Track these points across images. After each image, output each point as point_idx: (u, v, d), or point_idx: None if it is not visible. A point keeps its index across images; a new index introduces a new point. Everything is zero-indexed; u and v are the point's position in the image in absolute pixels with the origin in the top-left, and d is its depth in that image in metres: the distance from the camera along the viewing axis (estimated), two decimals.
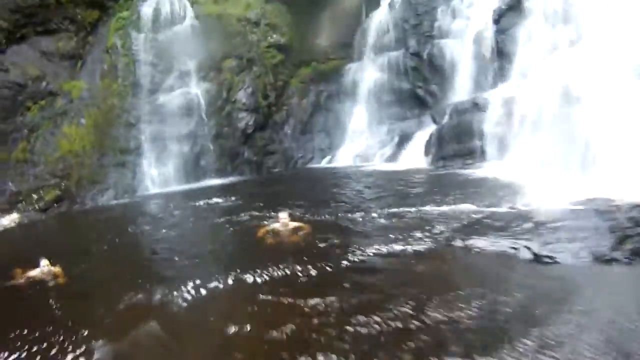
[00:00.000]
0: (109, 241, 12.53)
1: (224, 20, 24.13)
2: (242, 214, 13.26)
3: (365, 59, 25.33)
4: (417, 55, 23.53)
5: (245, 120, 23.91)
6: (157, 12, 23.48)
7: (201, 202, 16.52)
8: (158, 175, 22.25)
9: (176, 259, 10.04)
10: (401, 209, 11.92)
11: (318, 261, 8.31)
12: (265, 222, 11.35)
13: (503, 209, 10.87)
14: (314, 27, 25.50)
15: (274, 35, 24.81)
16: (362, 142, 24.43)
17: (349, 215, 11.97)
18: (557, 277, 7.13)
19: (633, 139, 14.36)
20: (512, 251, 8.01)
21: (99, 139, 21.46)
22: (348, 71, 25.72)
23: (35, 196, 18.79)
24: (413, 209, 11.78)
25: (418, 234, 9.49)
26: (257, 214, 13.12)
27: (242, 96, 23.87)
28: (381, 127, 24.34)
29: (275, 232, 9.97)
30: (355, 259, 8.40)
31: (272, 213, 12.57)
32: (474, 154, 18.49)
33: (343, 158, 24.36)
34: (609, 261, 7.42)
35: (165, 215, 15.58)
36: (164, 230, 13.08)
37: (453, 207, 11.66)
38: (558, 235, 8.28)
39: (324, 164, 24.84)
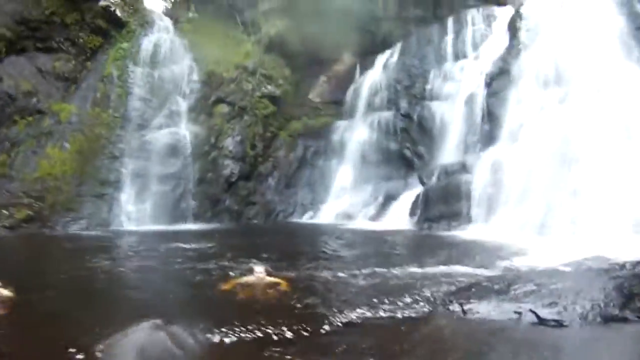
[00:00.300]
0: (69, 270, 11.43)
1: (222, 65, 24.18)
2: (216, 263, 12.14)
3: (356, 117, 25.44)
4: (407, 116, 23.72)
5: (230, 168, 23.51)
6: (157, 47, 23.57)
7: (175, 245, 15.49)
8: (135, 211, 21.48)
9: (133, 302, 8.92)
10: (386, 270, 10.96)
11: (295, 323, 7.10)
12: (238, 274, 10.39)
13: (497, 271, 10.27)
14: (309, 82, 25.80)
15: (269, 87, 24.89)
16: (346, 200, 24.00)
17: (330, 274, 10.96)
18: (567, 342, 6.48)
19: (623, 199, 14.31)
20: (516, 315, 7.14)
21: (81, 166, 20.93)
22: (337, 129, 25.67)
23: (5, 212, 18.08)
24: (399, 270, 10.86)
25: (407, 298, 8.46)
26: (231, 264, 11.99)
27: (230, 143, 23.60)
28: (366, 186, 24.00)
29: (248, 286, 8.97)
30: (338, 323, 7.22)
31: (248, 265, 11.45)
32: (459, 216, 18.15)
33: (325, 215, 23.83)
34: (620, 320, 6.86)
35: (135, 253, 14.64)
36: (128, 270, 11.95)
37: (443, 268, 10.93)
38: (562, 296, 7.62)
39: (305, 219, 24.24)
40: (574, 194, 16.05)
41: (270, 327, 6.83)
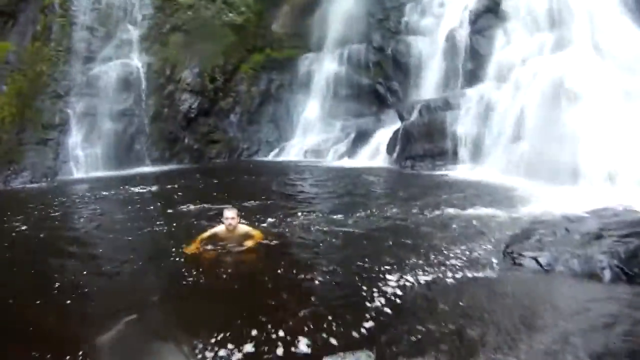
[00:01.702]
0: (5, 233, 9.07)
1: None
2: (178, 209, 10.22)
3: (324, 50, 22.99)
4: (380, 50, 21.50)
5: (188, 102, 20.85)
6: None
7: (130, 192, 13.32)
8: (84, 157, 18.78)
9: (80, 270, 6.61)
10: (394, 213, 9.13)
11: (283, 291, 5.42)
12: (204, 223, 8.56)
13: (530, 216, 8.47)
14: (272, 12, 22.95)
15: (230, 14, 21.91)
16: (314, 136, 21.98)
17: (315, 218, 9.00)
18: None
19: (621, 147, 13.16)
20: (601, 270, 5.81)
21: (21, 110, 17.85)
22: (304, 61, 23.22)
23: None
24: (410, 214, 9.03)
25: (444, 250, 6.62)
26: (195, 209, 10.12)
27: (187, 76, 20.77)
28: (335, 122, 21.98)
29: (217, 239, 7.24)
30: (346, 292, 5.31)
31: (214, 208, 9.74)
32: (445, 156, 16.46)
33: (292, 152, 21.82)
34: None
35: (83, 207, 11.83)
36: (76, 228, 9.57)
37: (471, 211, 9.14)
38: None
39: (271, 157, 22.16)
40: (569, 138, 14.93)
41: (249, 302, 5.18)
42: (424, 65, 20.16)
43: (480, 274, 5.80)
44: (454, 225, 8.10)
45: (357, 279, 5.66)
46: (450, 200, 10.39)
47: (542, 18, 17.48)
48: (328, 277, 5.78)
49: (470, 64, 18.72)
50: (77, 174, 18.39)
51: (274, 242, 7.41)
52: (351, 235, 7.76)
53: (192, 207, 10.33)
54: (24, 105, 17.81)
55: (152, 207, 10.91)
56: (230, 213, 7.20)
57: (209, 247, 7.07)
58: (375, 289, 5.29)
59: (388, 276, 5.67)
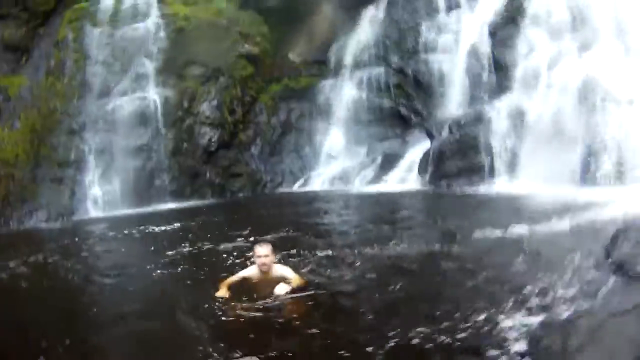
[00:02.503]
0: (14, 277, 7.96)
1: (192, 23, 20.15)
2: (203, 248, 8.90)
3: (342, 76, 22.11)
4: (400, 71, 20.49)
5: (208, 136, 19.78)
6: (118, 4, 19.56)
7: (151, 230, 12.05)
8: (102, 195, 17.72)
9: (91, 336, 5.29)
10: (449, 238, 7.62)
11: None
12: (232, 262, 7.33)
13: (625, 219, 6.83)
14: (288, 41, 22.22)
15: (246, 45, 21.06)
16: (339, 164, 20.71)
17: (354, 252, 7.36)
18: None
19: None
20: None
21: (35, 147, 17.05)
22: (322, 88, 22.17)
23: None
24: (467, 238, 7.50)
25: (538, 280, 5.10)
26: (223, 248, 8.70)
27: (205, 108, 19.77)
28: (360, 148, 20.78)
29: (248, 284, 5.87)
30: None
31: (242, 246, 8.45)
32: (481, 171, 15.30)
33: (317, 182, 20.49)
34: None
35: (101, 249, 10.80)
36: (91, 275, 8.09)
37: (540, 226, 7.76)
38: None
39: (296, 188, 20.81)
40: (612, 140, 13.67)
41: None
42: (446, 83, 19.18)
43: (599, 301, 4.33)
44: (531, 246, 6.73)
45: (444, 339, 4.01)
46: (507, 217, 9.03)
47: (564, 22, 16.59)
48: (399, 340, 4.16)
49: (495, 75, 17.80)
50: (95, 213, 17.30)
51: (318, 289, 5.82)
52: (410, 272, 6.30)
53: (218, 245, 8.95)
54: (39, 141, 17.06)
55: (175, 249, 9.33)
56: (263, 249, 5.80)
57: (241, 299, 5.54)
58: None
59: (500, 324, 4.18)
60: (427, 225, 9.89)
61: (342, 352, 3.94)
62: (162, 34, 19.51)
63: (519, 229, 7.65)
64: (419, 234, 8.76)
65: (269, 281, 5.71)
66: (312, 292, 5.64)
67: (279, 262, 6.34)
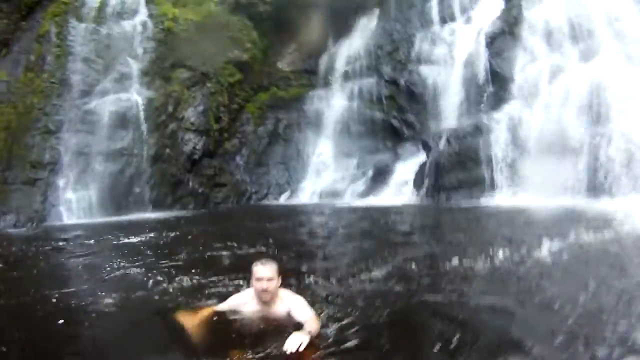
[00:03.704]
0: None
1: (181, 24, 18.96)
2: (180, 263, 7.12)
3: (332, 86, 21.09)
4: (392, 82, 19.57)
5: (192, 142, 18.38)
6: (105, 0, 18.25)
7: (125, 240, 10.31)
8: (76, 200, 16.08)
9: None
10: (471, 258, 5.71)
11: None
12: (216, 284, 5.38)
13: None
14: (278, 49, 21.15)
15: (235, 51, 19.91)
16: (328, 176, 19.54)
17: (362, 278, 5.45)
18: None
19: None
20: None
21: (8, 146, 15.44)
22: (312, 98, 21.15)
23: None
24: (493, 257, 5.74)
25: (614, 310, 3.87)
26: (206, 261, 7.15)
27: (191, 114, 18.43)
28: (350, 160, 19.64)
29: (238, 321, 4.05)
30: None
31: (231, 261, 6.85)
32: (481, 184, 14.30)
33: (305, 194, 19.28)
34: None
35: (61, 260, 8.76)
36: (51, 298, 5.53)
37: (573, 239, 6.53)
38: None
39: (282, 200, 19.54)
40: (617, 151, 12.88)
41: None
42: (441, 94, 18.33)
43: None
44: (581, 265, 5.55)
45: None
46: (528, 232, 7.88)
47: (563, 32, 16.20)
48: None
49: (492, 86, 17.05)
50: (68, 220, 15.64)
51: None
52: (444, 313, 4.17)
53: (197, 261, 7.27)
54: (12, 140, 15.38)
55: (148, 260, 7.76)
56: (265, 270, 3.97)
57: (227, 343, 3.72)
58: None
59: None
60: (438, 241, 8.46)
61: None
62: (149, 33, 18.25)
63: (551, 245, 6.36)
64: (431, 250, 7.41)
65: (270, 316, 4.00)
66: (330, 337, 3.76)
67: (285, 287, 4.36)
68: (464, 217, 11.53)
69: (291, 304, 4.02)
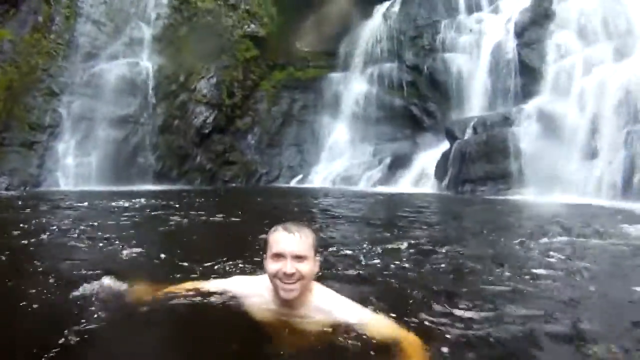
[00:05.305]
0: None
1: None
2: (181, 235, 5.46)
3: (352, 70, 19.61)
4: (414, 69, 18.15)
5: (203, 115, 16.94)
6: None
7: (121, 207, 8.42)
8: (75, 166, 14.69)
9: None
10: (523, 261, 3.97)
11: None
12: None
13: None
14: (297, 27, 19.58)
15: (252, 25, 18.42)
16: (343, 162, 18.03)
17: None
18: None
19: None
20: None
21: (8, 106, 13.98)
22: (330, 81, 19.58)
23: None
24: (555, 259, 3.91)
25: None
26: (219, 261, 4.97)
27: (203, 86, 16.97)
28: (366, 147, 18.18)
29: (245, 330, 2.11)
30: None
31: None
32: (509, 177, 12.87)
33: (318, 179, 17.76)
34: None
35: (58, 235, 6.33)
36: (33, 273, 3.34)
37: None
38: None
39: (293, 183, 18.02)
40: None
41: None
42: (466, 84, 16.89)
43: None
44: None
45: None
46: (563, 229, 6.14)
47: (597, 28, 14.97)
48: None
49: (521, 78, 15.71)
50: (65, 186, 14.22)
51: None
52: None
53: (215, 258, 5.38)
54: (13, 100, 13.94)
55: (142, 228, 6.12)
56: (291, 241, 2.05)
57: None
58: None
59: None
60: (480, 233, 6.54)
61: None
62: None
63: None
64: (471, 243, 5.65)
65: (297, 327, 2.09)
66: None
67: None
68: (495, 211, 9.67)
69: (338, 311, 2.11)
